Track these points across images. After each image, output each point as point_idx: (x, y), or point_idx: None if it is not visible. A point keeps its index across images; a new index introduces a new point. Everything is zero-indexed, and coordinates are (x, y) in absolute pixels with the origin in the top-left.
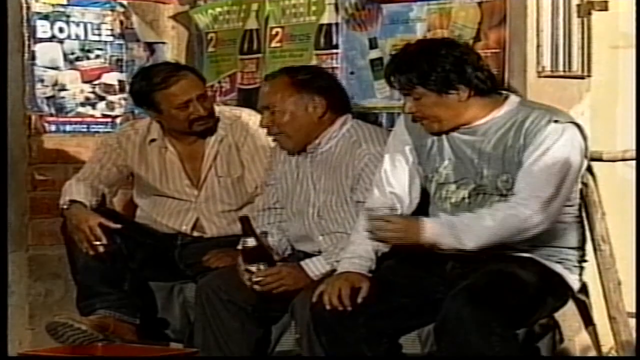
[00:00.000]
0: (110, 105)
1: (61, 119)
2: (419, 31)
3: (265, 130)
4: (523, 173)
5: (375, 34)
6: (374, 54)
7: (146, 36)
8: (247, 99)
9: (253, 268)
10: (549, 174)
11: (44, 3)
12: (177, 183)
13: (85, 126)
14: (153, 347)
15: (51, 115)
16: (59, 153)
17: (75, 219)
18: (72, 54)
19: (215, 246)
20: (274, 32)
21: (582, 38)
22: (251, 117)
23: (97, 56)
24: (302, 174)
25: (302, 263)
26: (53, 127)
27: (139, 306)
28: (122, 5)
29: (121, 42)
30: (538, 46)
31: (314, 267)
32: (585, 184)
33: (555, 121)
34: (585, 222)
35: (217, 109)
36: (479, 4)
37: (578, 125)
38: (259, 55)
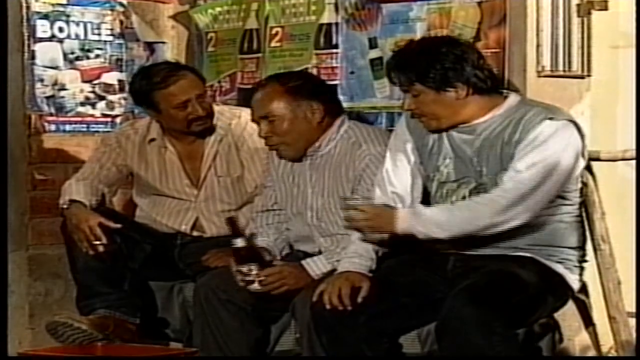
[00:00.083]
0: (110, 105)
1: (61, 119)
2: (419, 31)
3: (264, 140)
4: (511, 166)
5: (375, 34)
6: (374, 53)
7: (146, 36)
8: (247, 98)
9: (244, 269)
10: (534, 168)
11: (44, 2)
12: (177, 183)
13: (85, 126)
14: (153, 347)
15: (51, 114)
16: (58, 153)
17: (75, 219)
18: (72, 53)
19: (215, 246)
20: (273, 31)
21: (582, 38)
22: (250, 117)
23: (97, 56)
24: (299, 177)
25: (304, 262)
26: (53, 127)
27: (139, 306)
28: (121, 4)
29: (121, 41)
30: (538, 46)
31: (315, 267)
32: (585, 184)
33: (551, 118)
34: (585, 222)
35: (216, 108)
36: (479, 3)
37: (575, 124)
38: (259, 54)
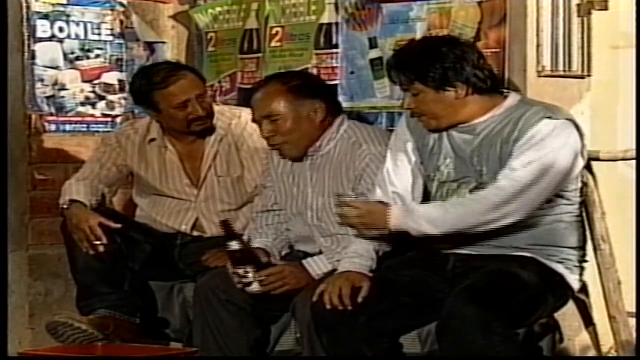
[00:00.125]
0: (110, 105)
1: (61, 119)
2: (419, 30)
3: (266, 140)
4: (507, 164)
5: (375, 34)
6: (374, 53)
7: (146, 35)
8: (247, 98)
9: (240, 271)
10: (530, 166)
11: (44, 2)
12: (177, 182)
13: (85, 125)
14: (153, 347)
15: (51, 114)
16: (58, 152)
17: (75, 219)
18: (72, 53)
19: (215, 246)
20: (273, 31)
21: (582, 37)
22: (250, 117)
23: (97, 55)
24: (299, 177)
25: (304, 262)
26: (53, 127)
27: (139, 306)
28: (122, 4)
29: (121, 41)
30: (538, 46)
31: (316, 266)
32: (585, 184)
33: (549, 117)
34: (585, 222)
35: (216, 108)
36: (479, 3)
37: (574, 123)
38: (259, 54)
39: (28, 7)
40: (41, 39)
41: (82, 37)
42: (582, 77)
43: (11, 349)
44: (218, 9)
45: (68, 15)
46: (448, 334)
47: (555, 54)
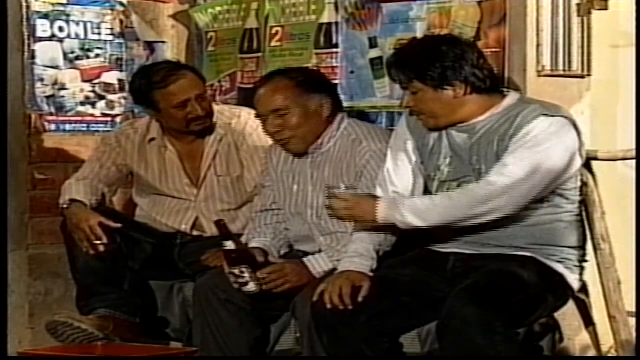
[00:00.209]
0: (110, 105)
1: (61, 118)
2: (419, 30)
3: (272, 135)
4: (501, 159)
5: (375, 33)
6: (374, 53)
7: (146, 35)
8: (248, 98)
9: (236, 271)
10: (522, 162)
11: (44, 2)
12: (177, 182)
13: (85, 125)
14: (153, 347)
15: (51, 114)
16: (58, 152)
17: (75, 218)
18: (72, 53)
19: (215, 245)
20: (274, 31)
21: (582, 37)
22: (250, 117)
23: (97, 55)
24: (299, 176)
25: (305, 260)
26: (53, 126)
27: (139, 305)
28: (122, 4)
29: (121, 41)
30: (538, 45)
31: (317, 264)
32: (585, 183)
33: (545, 115)
34: (585, 222)
35: (216, 108)
36: (479, 3)
37: (572, 122)
38: (259, 54)
39: (28, 7)
40: (41, 39)
41: (82, 36)
42: (582, 76)
43: (11, 348)
44: (218, 8)
45: (68, 15)
46: (448, 334)
47: (555, 53)
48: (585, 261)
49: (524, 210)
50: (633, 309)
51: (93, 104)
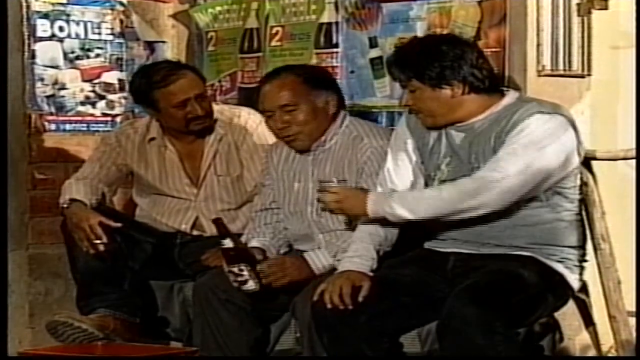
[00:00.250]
0: (110, 104)
1: (61, 118)
2: (419, 30)
3: (278, 131)
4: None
5: (375, 33)
6: (374, 52)
7: (146, 35)
8: (248, 97)
9: (235, 269)
10: (514, 157)
11: (44, 2)
12: (177, 182)
13: (85, 125)
14: (153, 346)
15: (51, 114)
16: (59, 152)
17: (75, 218)
18: (72, 52)
19: (215, 245)
20: (274, 31)
21: (582, 37)
22: (250, 116)
23: (97, 55)
24: (300, 173)
25: (306, 255)
26: (53, 126)
27: (139, 305)
28: (122, 4)
29: (121, 41)
30: (538, 45)
31: (317, 259)
32: (585, 183)
33: (541, 112)
34: (585, 221)
35: (216, 108)
36: (479, 2)
37: (569, 119)
38: (259, 54)
39: (28, 7)
40: (41, 39)
41: (82, 36)
42: (582, 76)
43: (11, 348)
44: (218, 8)
45: (68, 15)
46: (448, 334)
47: (555, 53)
48: (585, 261)
49: (523, 210)
50: (633, 308)
51: (93, 104)
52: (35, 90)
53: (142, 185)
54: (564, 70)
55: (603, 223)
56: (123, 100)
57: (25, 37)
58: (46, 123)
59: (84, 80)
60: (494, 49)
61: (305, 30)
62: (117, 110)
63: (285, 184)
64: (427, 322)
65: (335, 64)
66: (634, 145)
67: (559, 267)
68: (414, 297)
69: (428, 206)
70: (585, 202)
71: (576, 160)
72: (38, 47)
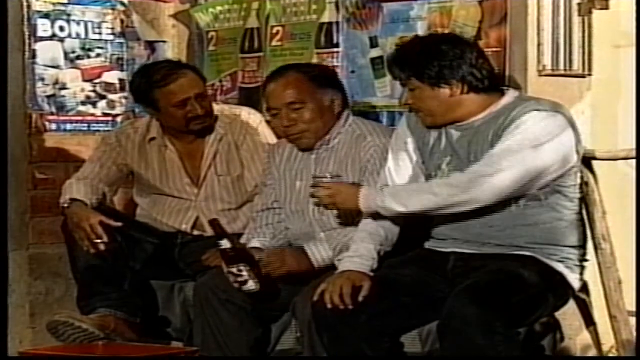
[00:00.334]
0: (111, 104)
1: (62, 118)
2: (420, 30)
3: (284, 129)
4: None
5: (376, 33)
6: (375, 52)
7: (147, 35)
8: (248, 97)
9: (234, 269)
10: (507, 152)
11: (45, 1)
12: (177, 181)
13: (85, 125)
14: (154, 346)
15: (52, 113)
16: (59, 152)
17: (76, 217)
18: (73, 52)
19: (215, 245)
20: (274, 30)
21: (583, 37)
22: (250, 116)
23: (98, 55)
24: (302, 172)
25: (305, 246)
26: (53, 126)
27: (140, 305)
28: (122, 3)
29: (122, 40)
30: (539, 45)
31: (317, 252)
32: (585, 183)
33: (538, 109)
34: (586, 221)
35: (216, 107)
36: (480, 2)
37: (566, 117)
38: (260, 53)
39: (29, 6)
40: (42, 38)
41: (82, 36)
42: (582, 76)
43: (12, 348)
44: (219, 8)
45: (69, 15)
46: (449, 334)
47: (556, 53)
48: (586, 260)
49: (523, 209)
50: (633, 308)
51: (94, 104)
52: (35, 90)
53: (143, 185)
54: (565, 69)
55: (604, 223)
56: (124, 100)
57: (26, 36)
58: (47, 123)
59: (85, 80)
60: (494, 49)
61: (305, 30)
62: (117, 110)
63: (287, 182)
64: (427, 322)
65: (335, 64)
66: (634, 145)
67: (560, 267)
68: (414, 297)
69: (419, 199)
70: (586, 202)
71: (574, 159)
72: (39, 46)
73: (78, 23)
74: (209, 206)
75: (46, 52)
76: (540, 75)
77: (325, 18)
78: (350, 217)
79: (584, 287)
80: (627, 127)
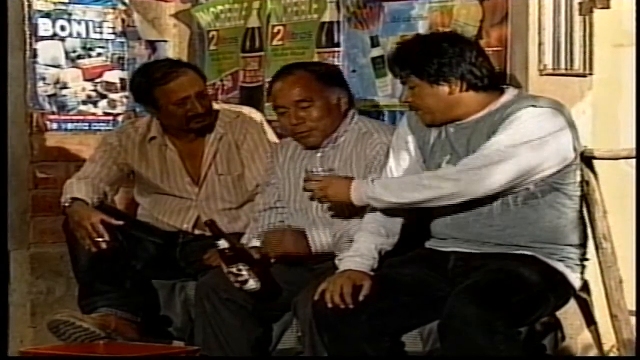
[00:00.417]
0: (112, 104)
1: (63, 117)
2: (421, 29)
3: (292, 127)
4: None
5: (377, 32)
6: (376, 52)
7: (148, 34)
8: (249, 97)
9: (233, 269)
10: (499, 145)
11: (46, 1)
12: (178, 181)
13: (86, 124)
14: (155, 345)
15: (53, 113)
16: (60, 151)
17: (77, 216)
18: (74, 52)
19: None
20: (275, 30)
21: (584, 36)
22: (251, 115)
23: (99, 54)
24: (308, 169)
25: (307, 230)
26: (55, 125)
27: (141, 304)
28: (123, 3)
29: (123, 40)
30: (540, 44)
31: (317, 236)
32: (587, 182)
33: (534, 106)
34: (587, 220)
35: (217, 107)
36: (481, 1)
37: (564, 114)
38: (261, 53)
39: (30, 6)
40: (43, 38)
41: (83, 35)
42: (584, 75)
43: (13, 347)
44: (220, 7)
45: (70, 14)
46: (449, 333)
47: (557, 52)
48: (586, 259)
49: (523, 208)
50: (634, 307)
51: (95, 103)
52: (36, 90)
53: (143, 185)
54: (566, 69)
55: (605, 222)
56: (124, 100)
57: (27, 36)
58: (48, 122)
59: (86, 80)
60: (495, 48)
61: (306, 29)
62: (118, 110)
63: (291, 181)
64: (427, 322)
65: (336, 63)
66: (634, 145)
67: (560, 266)
68: (414, 296)
69: (409, 191)
70: (586, 201)
71: (572, 156)
72: (40, 46)
73: (79, 22)
74: (210, 205)
75: (47, 51)
76: (542, 75)
77: (326, 17)
78: (346, 210)
79: (585, 287)
80: (628, 126)
